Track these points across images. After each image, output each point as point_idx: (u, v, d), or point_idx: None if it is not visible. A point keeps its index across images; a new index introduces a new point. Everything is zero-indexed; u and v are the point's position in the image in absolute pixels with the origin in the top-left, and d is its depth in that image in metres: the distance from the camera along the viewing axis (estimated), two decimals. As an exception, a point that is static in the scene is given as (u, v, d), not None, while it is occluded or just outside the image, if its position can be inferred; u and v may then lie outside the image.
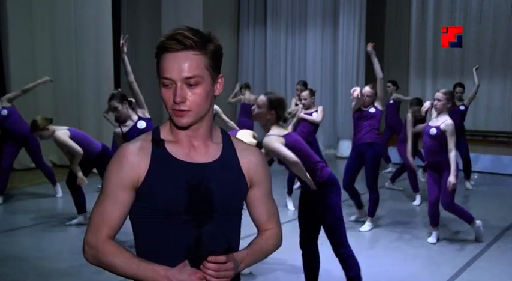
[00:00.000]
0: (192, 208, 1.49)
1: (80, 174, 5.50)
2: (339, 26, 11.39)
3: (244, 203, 1.67)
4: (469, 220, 5.32)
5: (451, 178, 4.97)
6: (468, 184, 7.94)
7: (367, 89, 5.94)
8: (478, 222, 5.36)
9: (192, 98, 1.47)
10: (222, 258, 1.41)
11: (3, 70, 8.87)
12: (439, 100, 5.10)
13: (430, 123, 5.22)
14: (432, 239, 5.39)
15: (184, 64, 1.45)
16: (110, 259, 1.49)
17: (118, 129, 5.26)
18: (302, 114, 6.45)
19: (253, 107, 3.54)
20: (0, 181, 6.73)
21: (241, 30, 12.86)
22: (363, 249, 5.13)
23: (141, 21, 11.61)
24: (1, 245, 5.25)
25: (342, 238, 3.64)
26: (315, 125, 6.43)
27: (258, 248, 1.63)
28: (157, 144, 1.53)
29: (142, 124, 4.99)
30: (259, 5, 12.65)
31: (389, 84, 8.96)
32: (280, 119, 3.51)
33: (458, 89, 7.94)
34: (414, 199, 7.04)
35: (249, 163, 1.62)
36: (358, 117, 5.85)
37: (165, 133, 1.57)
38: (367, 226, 5.81)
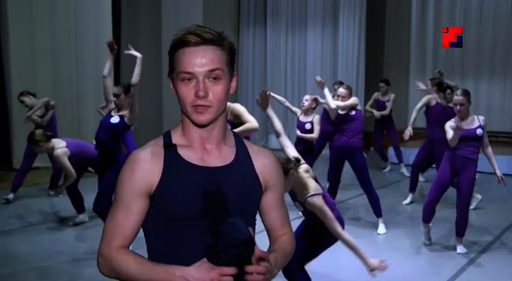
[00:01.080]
0: (206, 213, 1.45)
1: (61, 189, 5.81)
2: (339, 26, 11.40)
3: None
4: (463, 232, 5.13)
5: (500, 173, 4.95)
6: None
7: (341, 90, 5.72)
8: (462, 245, 5.15)
9: (214, 93, 1.43)
10: (263, 265, 1.38)
11: (3, 70, 8.88)
12: (462, 104, 4.77)
13: (466, 126, 4.84)
14: (426, 239, 5.37)
15: (206, 57, 1.42)
16: (124, 267, 1.43)
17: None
18: (299, 133, 6.23)
19: None
20: (16, 179, 6.79)
21: (241, 30, 12.86)
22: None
23: (141, 21, 11.61)
24: (1, 245, 5.25)
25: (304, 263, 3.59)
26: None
27: (281, 254, 1.57)
28: (170, 149, 1.49)
29: (115, 119, 4.92)
30: (259, 5, 12.65)
31: (383, 84, 9.00)
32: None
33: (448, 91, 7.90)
34: (409, 198, 7.07)
35: (264, 166, 1.58)
36: (341, 121, 5.75)
37: (176, 137, 1.52)
38: (383, 229, 5.72)
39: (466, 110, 4.82)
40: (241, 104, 5.17)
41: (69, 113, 9.24)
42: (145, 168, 1.46)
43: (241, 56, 12.81)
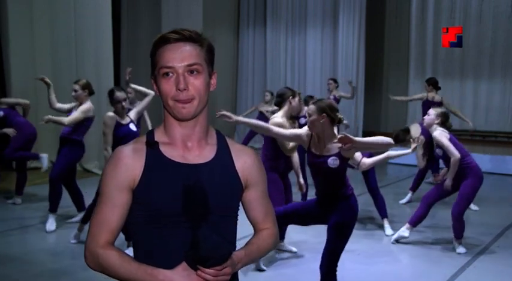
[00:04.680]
0: (186, 209, 1.49)
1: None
2: (339, 26, 11.40)
3: (240, 204, 1.67)
4: (460, 235, 5.17)
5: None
6: None
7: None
8: (461, 246, 5.18)
9: (194, 86, 1.50)
10: (221, 267, 1.42)
11: (3, 70, 8.87)
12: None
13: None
14: (391, 232, 5.54)
15: (185, 52, 1.50)
16: (109, 264, 1.50)
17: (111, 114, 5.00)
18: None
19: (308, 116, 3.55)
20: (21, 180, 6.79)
21: (241, 30, 12.86)
22: (363, 249, 5.13)
23: (141, 21, 11.60)
24: (1, 245, 5.25)
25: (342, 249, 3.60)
26: None
27: (255, 248, 1.63)
28: (151, 146, 1.54)
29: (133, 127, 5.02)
30: (259, 5, 12.66)
31: (331, 81, 9.25)
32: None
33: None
34: (407, 197, 7.09)
35: (244, 163, 1.63)
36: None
37: (159, 135, 1.58)
38: (390, 230, 5.68)
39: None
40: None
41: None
42: (127, 163, 1.52)
43: (241, 56, 12.81)
